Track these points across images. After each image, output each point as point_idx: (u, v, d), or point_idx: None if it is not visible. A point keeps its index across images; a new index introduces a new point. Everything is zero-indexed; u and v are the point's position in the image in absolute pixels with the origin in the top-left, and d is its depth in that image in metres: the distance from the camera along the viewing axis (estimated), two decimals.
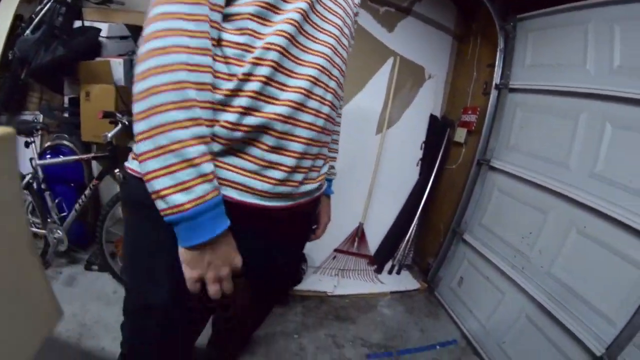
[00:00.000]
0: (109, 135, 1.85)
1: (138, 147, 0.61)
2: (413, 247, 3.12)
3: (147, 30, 0.60)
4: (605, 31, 1.81)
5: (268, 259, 0.89)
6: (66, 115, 2.40)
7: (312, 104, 0.75)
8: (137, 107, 0.60)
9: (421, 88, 2.92)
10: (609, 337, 1.55)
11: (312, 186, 0.86)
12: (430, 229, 3.08)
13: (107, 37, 2.45)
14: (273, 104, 0.70)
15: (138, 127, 0.60)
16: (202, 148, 0.61)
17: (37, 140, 2.15)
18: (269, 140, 0.71)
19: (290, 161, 0.75)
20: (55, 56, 2.10)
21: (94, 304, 1.92)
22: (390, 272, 2.98)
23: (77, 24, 2.31)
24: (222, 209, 0.65)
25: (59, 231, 2.07)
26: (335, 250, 2.91)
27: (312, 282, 2.68)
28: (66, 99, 2.44)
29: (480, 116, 2.57)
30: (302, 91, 0.73)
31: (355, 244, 2.95)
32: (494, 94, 2.45)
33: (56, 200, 2.13)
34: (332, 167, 1.17)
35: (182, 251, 0.66)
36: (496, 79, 2.44)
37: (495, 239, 2.31)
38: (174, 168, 0.59)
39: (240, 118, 0.68)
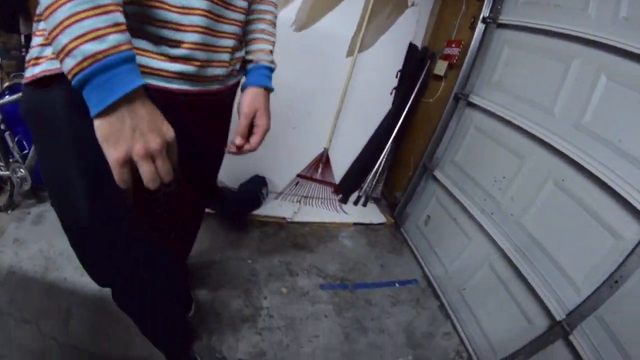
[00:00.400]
0: None
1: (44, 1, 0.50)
2: (383, 179, 2.95)
3: None
4: None
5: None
6: (24, 54, 2.21)
7: None
8: None
9: (402, 15, 2.58)
10: (571, 303, 1.41)
11: (221, 70, 0.81)
12: (400, 163, 2.89)
13: None
14: None
15: None
16: None
17: None
18: (159, 14, 0.64)
19: (187, 36, 0.69)
20: None
21: (60, 239, 1.82)
22: (355, 203, 2.83)
23: None
24: (136, 65, 0.55)
25: (21, 170, 1.94)
26: (298, 175, 2.72)
27: (272, 208, 2.52)
28: (22, 38, 2.24)
29: (463, 50, 2.28)
30: None
31: (320, 170, 2.76)
32: (480, 27, 2.16)
33: (16, 139, 1.99)
34: (267, 52, 0.96)
35: (97, 125, 0.54)
36: (484, 12, 2.13)
37: (466, 179, 2.13)
38: (84, 15, 0.50)
39: None
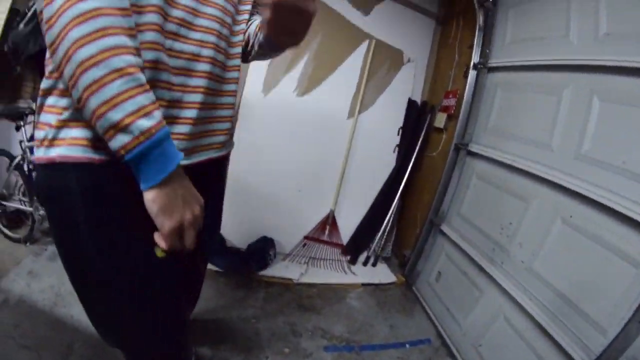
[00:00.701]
0: None
1: (85, 78, 0.52)
2: (392, 238, 2.89)
3: None
4: None
5: None
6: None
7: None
8: (76, 33, 0.51)
9: (399, 72, 2.71)
10: (598, 347, 1.28)
11: (219, 138, 0.85)
12: (408, 220, 2.85)
13: None
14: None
15: (82, 54, 0.51)
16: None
17: (29, 126, 2.20)
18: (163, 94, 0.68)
19: (187, 113, 0.72)
20: (43, 47, 2.05)
21: None
22: (365, 263, 2.75)
23: None
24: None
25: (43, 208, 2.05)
26: (305, 237, 2.69)
27: (279, 269, 2.46)
28: None
29: (459, 99, 2.34)
30: None
31: (327, 231, 2.73)
32: (472, 74, 2.25)
33: None
34: None
35: (153, 197, 0.58)
36: (474, 59, 2.23)
37: (473, 231, 2.06)
38: (134, 92, 0.54)
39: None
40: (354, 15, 2.59)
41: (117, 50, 0.53)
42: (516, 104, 1.97)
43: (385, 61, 2.66)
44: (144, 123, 0.54)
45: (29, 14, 2.43)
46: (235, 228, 2.48)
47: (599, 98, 1.49)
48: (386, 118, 2.75)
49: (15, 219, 2.26)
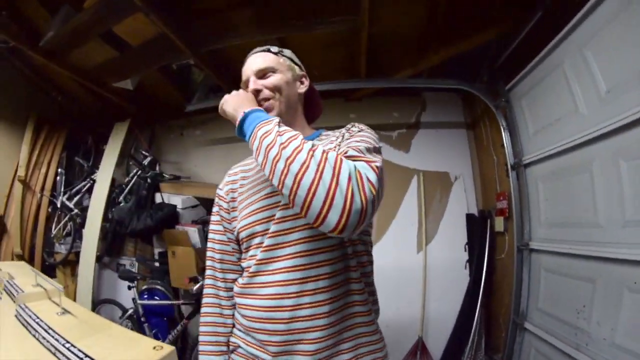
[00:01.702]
0: (194, 289, 2.33)
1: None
2: (482, 346, 2.79)
3: None
4: (580, 62, 1.79)
5: None
6: (157, 264, 3.12)
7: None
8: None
9: (451, 193, 2.98)
10: None
11: None
12: (493, 324, 2.82)
13: (182, 209, 3.17)
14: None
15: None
16: None
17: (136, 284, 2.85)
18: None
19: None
20: (145, 226, 2.92)
21: None
22: None
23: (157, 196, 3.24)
24: None
25: None
26: None
27: None
28: (156, 252, 3.17)
29: (509, 201, 2.49)
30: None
31: (418, 356, 2.76)
32: (512, 175, 2.42)
33: (153, 331, 2.68)
34: None
35: None
36: (510, 160, 2.43)
37: (553, 321, 2.04)
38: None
39: None
40: (398, 157, 3.04)
41: None
42: (557, 192, 2.11)
43: (437, 187, 2.99)
44: None
45: (126, 190, 3.27)
46: None
47: (624, 159, 1.59)
48: (451, 240, 2.96)
49: None
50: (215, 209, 1.05)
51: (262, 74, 0.98)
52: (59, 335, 0.90)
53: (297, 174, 0.67)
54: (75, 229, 3.48)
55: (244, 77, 1.01)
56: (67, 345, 0.86)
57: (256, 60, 1.00)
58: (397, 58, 2.77)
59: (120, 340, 0.93)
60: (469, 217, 2.97)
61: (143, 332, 2.57)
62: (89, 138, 3.98)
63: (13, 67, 3.20)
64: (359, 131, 0.92)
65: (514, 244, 2.43)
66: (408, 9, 2.25)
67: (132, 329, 2.62)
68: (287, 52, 1.07)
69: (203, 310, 0.99)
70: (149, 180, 3.22)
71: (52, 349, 0.87)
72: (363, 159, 0.76)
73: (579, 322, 1.83)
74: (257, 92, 0.96)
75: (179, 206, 3.16)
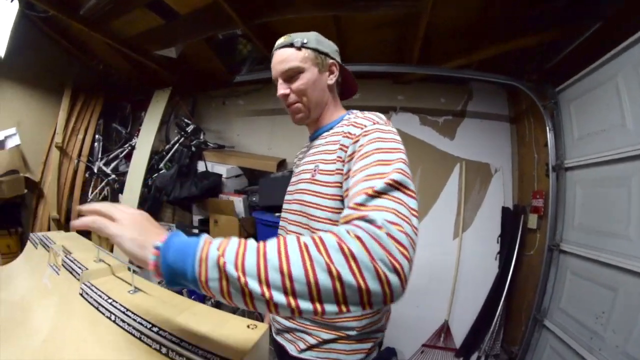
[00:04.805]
0: None
1: None
2: (500, 336, 3.07)
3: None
4: (634, 79, 1.89)
5: None
6: (196, 231, 3.24)
7: None
8: None
9: (490, 185, 3.15)
10: None
11: None
12: (513, 318, 3.03)
13: (226, 178, 3.34)
14: None
15: None
16: None
17: None
18: None
19: None
20: (190, 194, 3.11)
21: None
22: None
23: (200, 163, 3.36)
24: None
25: None
26: (424, 345, 3.05)
27: None
28: (195, 219, 3.34)
29: (546, 199, 2.64)
30: None
31: (442, 338, 3.06)
32: (552, 176, 2.57)
33: (192, 297, 2.80)
34: None
35: None
36: (552, 161, 2.57)
37: (572, 322, 2.26)
38: None
39: None
40: (443, 143, 3.21)
41: None
42: (594, 200, 2.26)
43: (477, 177, 3.17)
44: None
45: (167, 157, 3.38)
46: None
47: None
48: (486, 230, 3.15)
49: None
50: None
51: (287, 75, 1.02)
52: (141, 318, 0.82)
53: (309, 292, 0.54)
54: (112, 193, 3.71)
55: (273, 74, 1.06)
56: (155, 329, 0.78)
57: (281, 59, 1.03)
58: (450, 47, 2.86)
59: (208, 319, 0.83)
60: (505, 210, 3.14)
61: None
62: (127, 105, 4.15)
63: (50, 37, 3.36)
64: (373, 142, 0.80)
65: (545, 242, 2.62)
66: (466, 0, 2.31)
67: None
68: (312, 39, 1.04)
69: None
70: (193, 148, 3.36)
71: (137, 334, 0.80)
72: (381, 208, 0.61)
73: (596, 326, 2.04)
74: (285, 96, 1.04)
75: (224, 175, 3.32)
